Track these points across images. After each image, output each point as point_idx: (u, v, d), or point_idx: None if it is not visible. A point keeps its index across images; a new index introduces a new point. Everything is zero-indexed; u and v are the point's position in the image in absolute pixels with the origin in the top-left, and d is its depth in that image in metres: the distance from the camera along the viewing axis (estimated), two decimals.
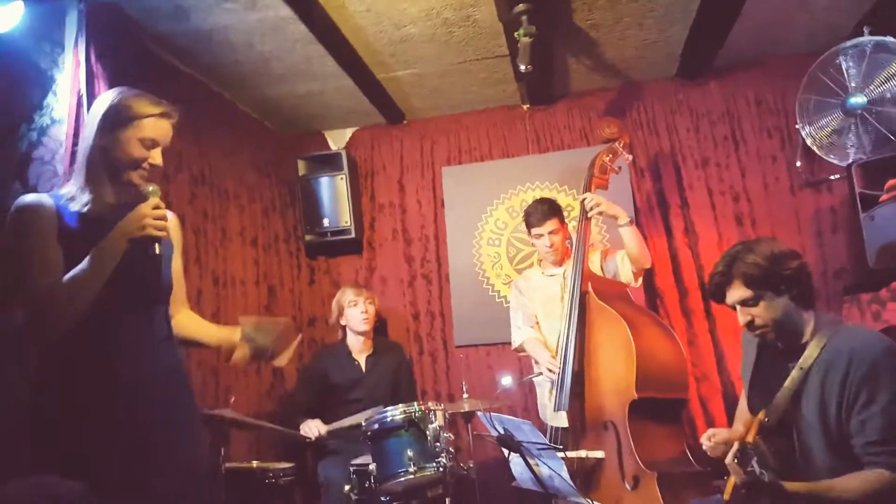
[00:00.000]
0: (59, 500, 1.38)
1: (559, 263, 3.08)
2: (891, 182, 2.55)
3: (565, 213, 3.23)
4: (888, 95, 3.02)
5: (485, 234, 3.90)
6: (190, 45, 3.01)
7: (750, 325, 1.81)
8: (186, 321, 1.92)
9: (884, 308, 2.94)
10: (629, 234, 2.90)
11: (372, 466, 2.70)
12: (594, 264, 3.04)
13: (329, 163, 3.91)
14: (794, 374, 1.77)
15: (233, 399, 3.12)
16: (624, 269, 2.98)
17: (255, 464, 2.89)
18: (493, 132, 3.95)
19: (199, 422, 1.89)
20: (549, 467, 2.22)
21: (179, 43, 2.99)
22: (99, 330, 1.60)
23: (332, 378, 3.39)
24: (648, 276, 3.60)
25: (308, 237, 3.94)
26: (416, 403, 2.79)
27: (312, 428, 3.17)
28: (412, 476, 2.67)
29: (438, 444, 2.66)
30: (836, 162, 3.25)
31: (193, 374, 3.21)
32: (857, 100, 3.07)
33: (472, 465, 3.14)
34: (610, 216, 2.90)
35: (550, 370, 2.82)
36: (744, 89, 3.61)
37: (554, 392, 2.82)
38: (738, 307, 1.82)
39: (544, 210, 3.02)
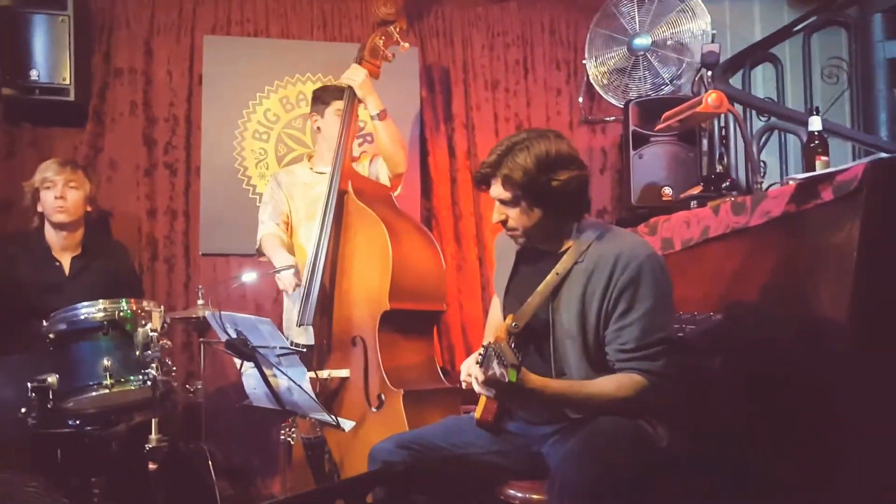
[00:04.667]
0: None
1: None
2: (668, 113, 2.67)
3: None
4: (669, 42, 3.18)
5: (251, 124, 3.33)
6: None
7: (503, 223, 1.72)
8: None
9: None
10: (382, 129, 2.63)
11: (52, 379, 2.08)
12: (362, 167, 2.75)
13: None
14: (549, 278, 1.68)
15: None
16: (383, 173, 2.73)
17: None
18: (273, 6, 3.36)
19: None
20: (288, 377, 1.87)
21: None
22: None
23: (20, 275, 2.57)
24: (426, 195, 3.42)
25: (6, 91, 2.97)
26: (123, 300, 2.22)
27: None
28: (107, 391, 2.13)
29: (149, 352, 2.14)
30: (614, 102, 3.37)
31: None
32: (642, 41, 3.18)
33: (200, 387, 2.68)
34: (360, 100, 2.61)
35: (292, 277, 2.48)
36: (540, 15, 3.57)
37: (299, 304, 2.47)
38: (496, 202, 1.71)
39: (339, 90, 2.66)
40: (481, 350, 1.61)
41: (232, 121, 3.30)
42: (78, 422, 2.29)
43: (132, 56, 3.25)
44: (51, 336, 2.18)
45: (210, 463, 2.59)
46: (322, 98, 2.70)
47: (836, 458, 1.64)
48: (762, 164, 3.25)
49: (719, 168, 2.78)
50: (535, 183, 1.63)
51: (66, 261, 2.67)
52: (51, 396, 2.11)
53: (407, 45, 2.77)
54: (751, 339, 1.93)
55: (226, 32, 3.32)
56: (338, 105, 2.64)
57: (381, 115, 2.62)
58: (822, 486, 1.65)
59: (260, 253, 2.75)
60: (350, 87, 2.60)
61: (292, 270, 2.48)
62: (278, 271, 2.48)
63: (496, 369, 1.49)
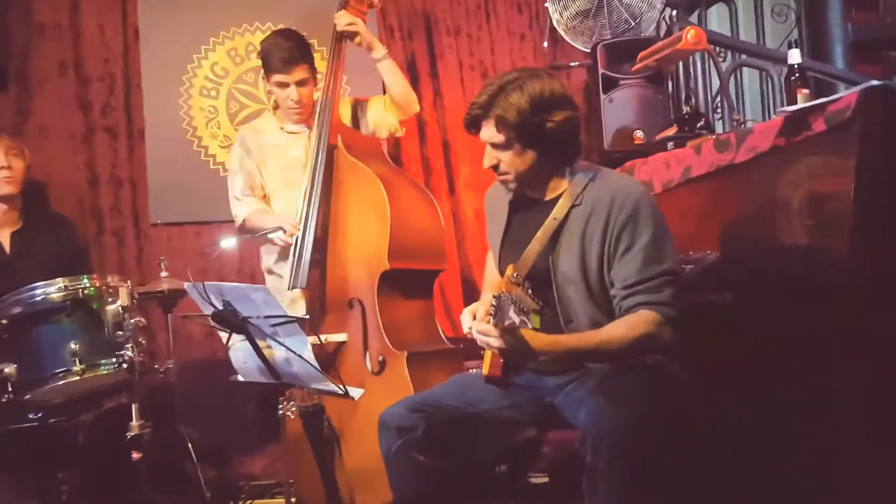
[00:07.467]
0: None
1: (305, 122, 2.50)
2: (644, 52, 2.61)
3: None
4: None
5: (197, 80, 3.09)
6: None
7: (494, 168, 1.67)
8: None
9: None
10: (390, 70, 2.49)
11: (9, 370, 1.90)
12: (345, 116, 2.55)
13: None
14: (547, 223, 1.65)
15: None
16: (387, 117, 2.55)
17: None
18: None
19: None
20: (287, 347, 1.72)
21: None
22: None
23: None
24: (393, 149, 3.26)
25: None
26: (84, 277, 2.05)
27: None
28: (78, 378, 1.96)
29: (121, 332, 1.98)
30: (579, 47, 3.27)
31: None
32: None
33: (171, 366, 2.51)
34: (366, 44, 2.45)
35: (286, 232, 2.31)
36: None
37: (290, 268, 2.32)
38: (487, 146, 1.65)
39: (292, 50, 2.36)
40: (492, 301, 1.52)
41: (176, 77, 3.06)
42: (40, 414, 2.10)
43: (56, 10, 2.97)
44: (3, 322, 1.98)
45: (189, 445, 2.45)
46: (275, 60, 2.38)
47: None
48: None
49: (686, 109, 2.76)
50: (530, 124, 1.57)
51: (4, 237, 2.49)
52: (9, 388, 1.91)
53: None
54: (751, 275, 1.91)
55: None
56: (300, 72, 2.38)
57: (387, 56, 2.50)
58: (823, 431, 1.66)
59: (244, 231, 2.51)
60: (335, 34, 2.41)
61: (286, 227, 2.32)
62: (266, 234, 2.31)
63: (514, 318, 1.41)
